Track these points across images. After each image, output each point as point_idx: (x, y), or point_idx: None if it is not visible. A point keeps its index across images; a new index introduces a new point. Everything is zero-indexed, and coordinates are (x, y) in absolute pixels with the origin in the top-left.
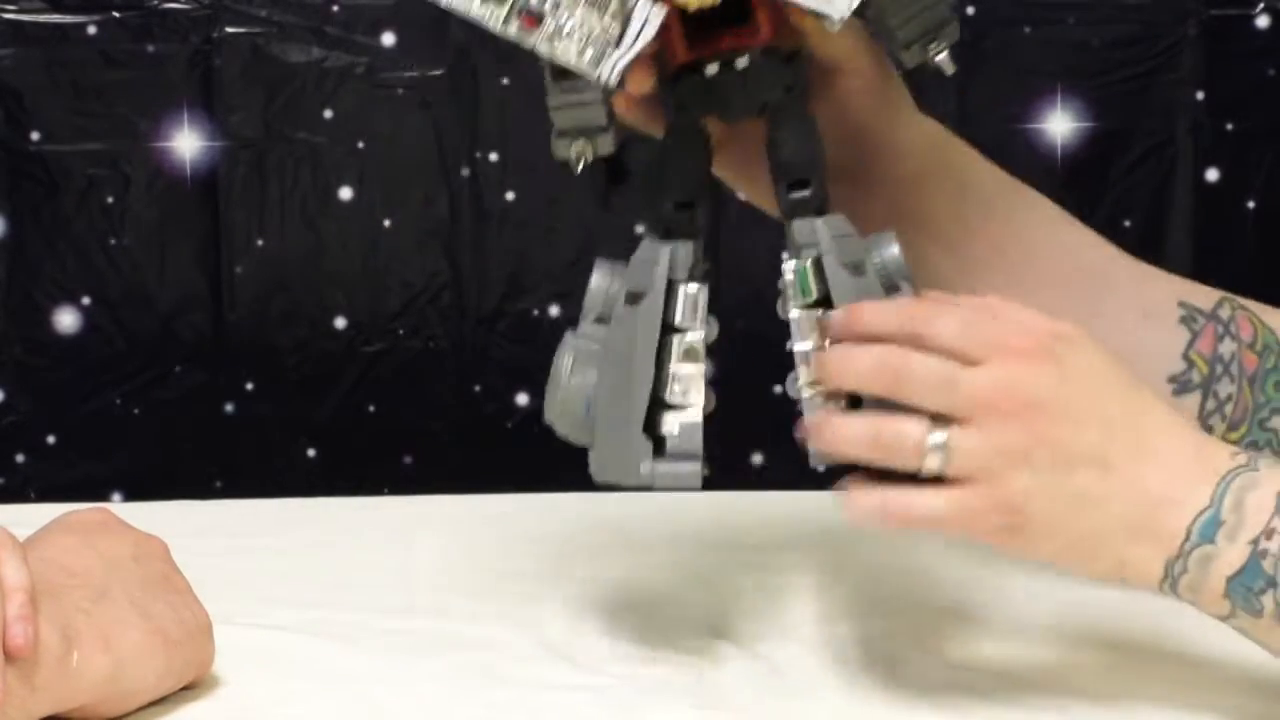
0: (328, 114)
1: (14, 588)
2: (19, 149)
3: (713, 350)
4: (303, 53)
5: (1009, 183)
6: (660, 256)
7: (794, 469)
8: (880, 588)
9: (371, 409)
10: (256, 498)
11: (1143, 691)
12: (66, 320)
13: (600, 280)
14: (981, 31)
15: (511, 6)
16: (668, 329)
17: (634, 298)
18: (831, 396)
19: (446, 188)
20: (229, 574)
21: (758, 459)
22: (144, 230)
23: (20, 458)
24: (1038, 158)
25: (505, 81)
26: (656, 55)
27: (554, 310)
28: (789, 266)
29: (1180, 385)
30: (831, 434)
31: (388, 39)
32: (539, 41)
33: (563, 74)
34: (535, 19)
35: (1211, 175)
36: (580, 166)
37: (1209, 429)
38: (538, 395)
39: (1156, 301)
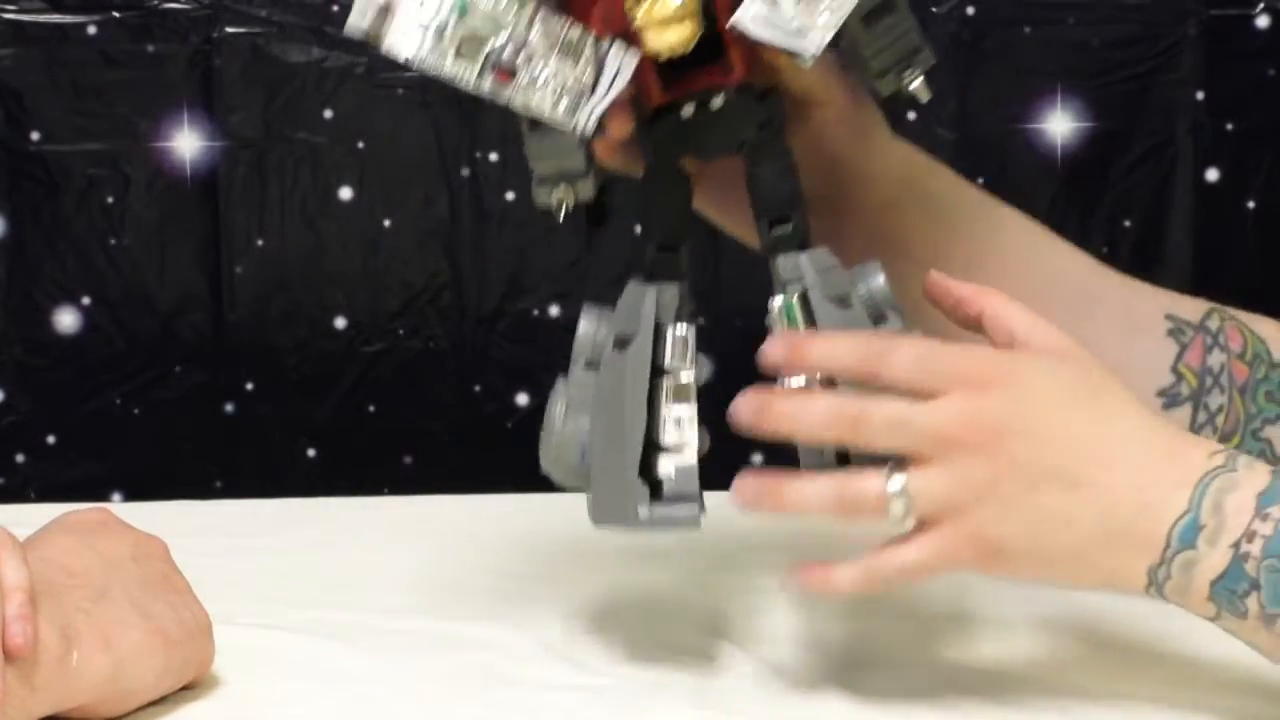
0: (328, 114)
1: (13, 587)
2: (19, 149)
3: (703, 391)
4: (303, 53)
5: (987, 202)
6: (646, 300)
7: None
8: None
9: (371, 409)
10: (256, 498)
11: (1142, 691)
12: (66, 320)
13: (587, 326)
14: (981, 31)
15: (484, 62)
16: (658, 371)
17: (622, 342)
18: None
19: (446, 188)
20: (229, 574)
21: (758, 459)
22: (144, 230)
23: (20, 458)
24: (1038, 158)
25: None
26: (633, 99)
27: (554, 310)
28: (775, 303)
29: (1170, 399)
30: (796, 496)
31: None
32: (514, 95)
33: (539, 123)
34: (509, 73)
35: (1211, 175)
36: (562, 213)
37: None
38: (538, 395)
39: (1142, 315)
